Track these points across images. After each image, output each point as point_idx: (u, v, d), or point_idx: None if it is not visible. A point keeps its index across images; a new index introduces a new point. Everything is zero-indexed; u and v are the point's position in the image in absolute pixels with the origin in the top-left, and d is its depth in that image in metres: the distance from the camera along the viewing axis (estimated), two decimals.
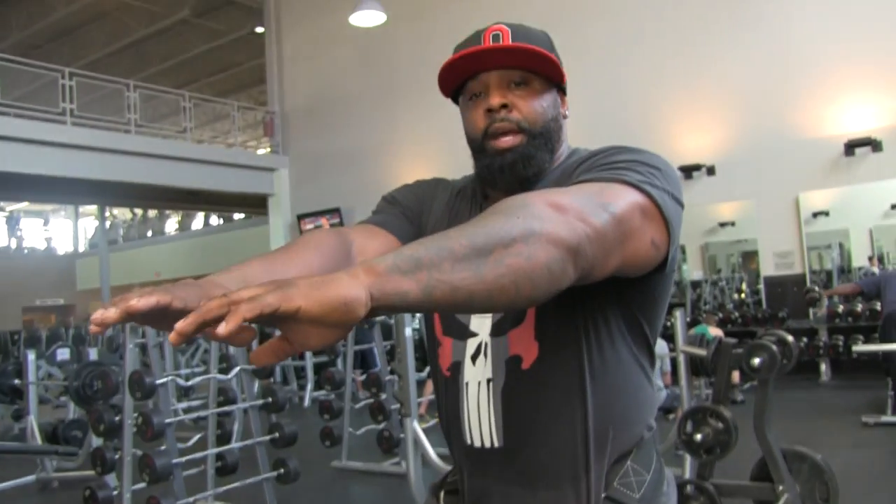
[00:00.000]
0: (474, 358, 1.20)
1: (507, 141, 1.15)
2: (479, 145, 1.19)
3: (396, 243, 1.22)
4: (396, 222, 1.27)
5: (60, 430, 6.13)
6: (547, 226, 0.84)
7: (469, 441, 1.20)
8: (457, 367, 1.22)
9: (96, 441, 4.74)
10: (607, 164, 1.06)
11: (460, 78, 1.19)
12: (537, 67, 1.16)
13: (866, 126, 8.49)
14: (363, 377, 5.95)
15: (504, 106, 1.15)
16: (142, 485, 4.03)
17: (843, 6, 8.72)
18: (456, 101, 1.26)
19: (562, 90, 1.23)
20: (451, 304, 0.79)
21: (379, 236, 1.22)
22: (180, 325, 0.67)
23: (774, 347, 2.44)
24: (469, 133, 1.21)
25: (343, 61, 13.11)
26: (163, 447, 4.12)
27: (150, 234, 25.86)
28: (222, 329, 0.66)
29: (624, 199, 0.97)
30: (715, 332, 6.81)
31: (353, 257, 1.12)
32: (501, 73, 1.16)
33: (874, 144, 8.39)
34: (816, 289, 8.26)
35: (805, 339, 8.14)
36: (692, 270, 10.08)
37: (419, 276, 0.75)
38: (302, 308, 0.68)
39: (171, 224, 26.28)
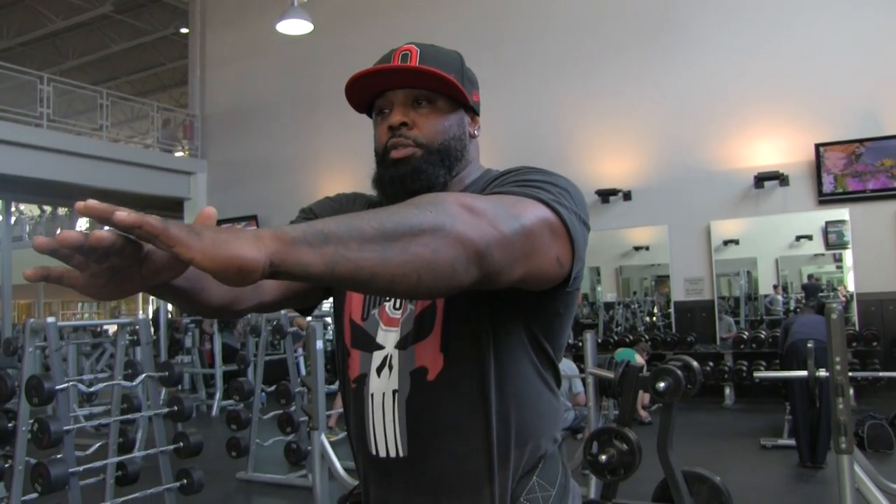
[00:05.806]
0: (379, 370, 1.20)
1: (402, 151, 1.19)
2: (380, 158, 1.23)
3: None
4: None
5: None
6: (458, 225, 0.86)
7: (374, 451, 1.20)
8: (362, 379, 1.23)
9: None
10: (520, 181, 1.08)
11: (369, 95, 1.23)
12: (437, 88, 1.20)
13: (775, 161, 8.84)
14: (273, 388, 5.86)
15: (404, 124, 1.19)
16: (34, 495, 3.86)
17: (750, 47, 9.09)
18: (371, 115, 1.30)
19: (472, 110, 1.27)
20: (351, 282, 0.80)
21: None
22: (90, 203, 0.70)
23: (679, 372, 2.50)
24: (375, 147, 1.25)
25: (267, 69, 12.95)
26: (59, 455, 3.96)
27: (59, 231, 24.89)
28: (122, 214, 0.68)
29: (534, 213, 0.99)
30: (639, 359, 6.93)
31: None
32: (406, 91, 1.20)
33: (782, 179, 8.75)
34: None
35: (711, 364, 8.40)
36: (606, 292, 10.27)
37: (325, 250, 0.76)
38: (195, 261, 0.69)
39: (83, 222, 25.39)
